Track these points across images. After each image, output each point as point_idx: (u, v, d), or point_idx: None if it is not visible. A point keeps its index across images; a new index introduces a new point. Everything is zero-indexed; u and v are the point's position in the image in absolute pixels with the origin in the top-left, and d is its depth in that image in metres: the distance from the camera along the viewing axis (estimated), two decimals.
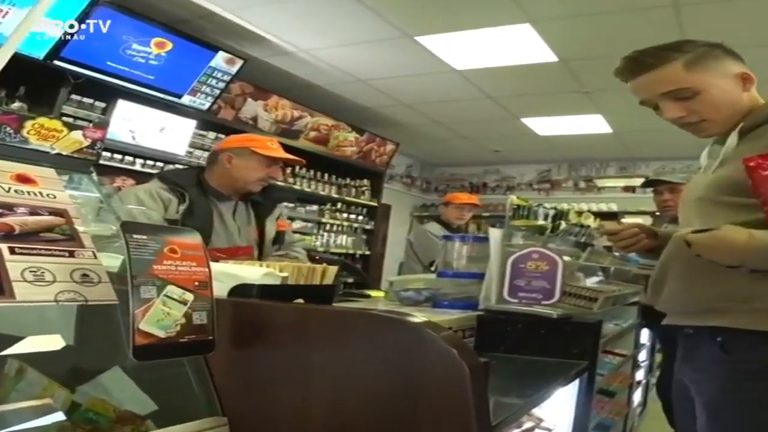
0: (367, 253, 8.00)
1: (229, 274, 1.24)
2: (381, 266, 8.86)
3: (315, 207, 7.27)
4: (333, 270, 1.41)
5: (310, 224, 7.17)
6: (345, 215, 7.72)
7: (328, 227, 7.47)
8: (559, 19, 4.45)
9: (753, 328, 1.40)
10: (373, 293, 3.01)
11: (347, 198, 7.74)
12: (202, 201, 2.60)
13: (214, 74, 5.16)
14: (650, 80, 1.61)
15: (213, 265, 1.11)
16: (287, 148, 2.93)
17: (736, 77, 1.59)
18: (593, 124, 7.13)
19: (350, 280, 5.61)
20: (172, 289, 1.02)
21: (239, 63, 5.24)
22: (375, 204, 8.13)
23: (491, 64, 5.48)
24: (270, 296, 1.21)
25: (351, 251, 7.70)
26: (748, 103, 1.60)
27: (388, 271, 8.28)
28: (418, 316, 0.99)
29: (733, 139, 1.57)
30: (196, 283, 1.06)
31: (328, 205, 7.53)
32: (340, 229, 7.62)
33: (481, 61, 5.46)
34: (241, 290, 1.22)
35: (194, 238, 1.10)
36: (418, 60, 5.49)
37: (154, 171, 5.04)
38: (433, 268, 4.12)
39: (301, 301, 1.27)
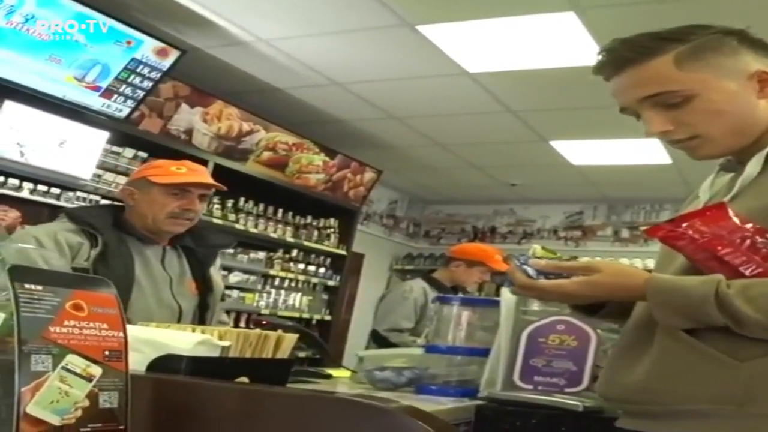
0: (328, 318, 7.94)
1: (152, 341, 1.25)
2: (344, 337, 8.82)
3: (262, 254, 7.20)
4: (291, 339, 1.43)
5: (252, 277, 7.10)
6: (302, 266, 7.68)
7: (277, 282, 7.40)
8: (612, 6, 4.38)
9: None
10: (336, 372, 3.05)
11: (306, 243, 7.70)
12: (120, 245, 2.75)
13: (138, 69, 5.16)
14: (631, 79, 1.61)
15: (131, 329, 1.12)
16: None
17: (750, 78, 1.57)
18: (647, 152, 7.06)
19: (302, 355, 5.54)
20: (73, 360, 1.03)
21: (174, 55, 5.22)
22: (343, 252, 8.11)
23: (515, 66, 5.48)
24: (205, 372, 1.22)
25: (306, 315, 7.63)
26: None
27: (354, 345, 8.22)
28: (406, 403, 1.00)
29: (755, 165, 1.55)
30: (107, 353, 1.08)
31: (280, 252, 7.48)
32: (293, 285, 7.57)
33: (503, 62, 5.46)
34: (166, 364, 1.23)
35: (107, 291, 1.11)
36: (419, 57, 5.51)
37: (48, 200, 5.07)
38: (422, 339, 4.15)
39: (245, 380, 1.28)
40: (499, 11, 4.68)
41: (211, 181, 2.95)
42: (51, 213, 5.08)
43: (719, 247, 1.43)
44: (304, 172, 7.39)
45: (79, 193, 5.27)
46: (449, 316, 2.53)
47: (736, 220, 1.44)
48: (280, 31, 5.36)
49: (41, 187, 5.05)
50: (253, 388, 1.17)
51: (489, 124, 6.98)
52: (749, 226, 1.43)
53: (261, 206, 7.19)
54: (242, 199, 6.93)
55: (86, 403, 1.02)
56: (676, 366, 1.47)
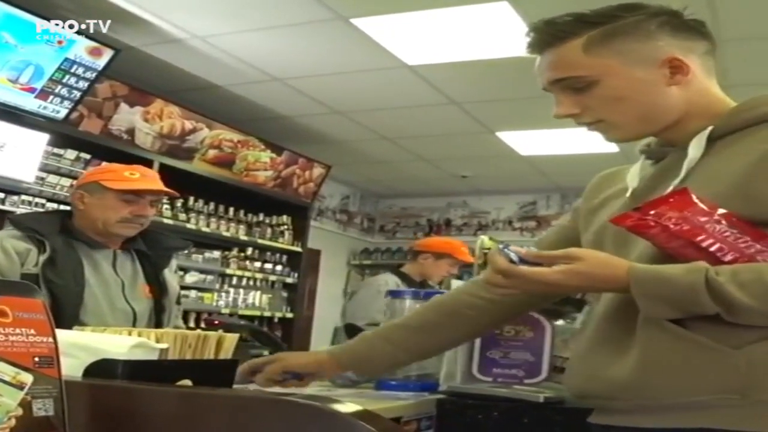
0: (290, 315, 7.98)
1: (85, 346, 1.21)
2: (308, 333, 8.81)
3: (217, 253, 7.22)
4: (232, 339, 1.40)
5: (210, 277, 7.11)
6: (258, 264, 7.69)
7: (234, 281, 7.43)
8: None
9: (751, 430, 1.39)
10: None
11: (260, 241, 7.71)
12: (68, 250, 2.77)
13: (72, 69, 5.10)
14: (545, 61, 1.63)
15: (61, 333, 1.08)
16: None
17: (662, 65, 1.56)
18: (594, 141, 7.14)
19: (265, 353, 5.52)
20: (1, 368, 0.99)
21: (108, 54, 5.18)
22: (298, 249, 8.13)
23: (455, 57, 5.55)
24: (144, 376, 1.19)
25: (267, 313, 7.67)
26: (683, 102, 1.59)
27: (318, 341, 8.22)
28: (350, 404, 0.97)
29: (697, 148, 1.55)
30: (37, 359, 1.04)
31: (235, 251, 7.49)
32: (251, 283, 7.59)
33: (442, 54, 5.51)
34: (102, 368, 1.20)
35: (33, 296, 1.08)
36: (356, 51, 5.54)
37: None
38: None
39: (188, 382, 1.25)
40: (431, 2, 4.71)
41: (163, 188, 2.96)
42: None
43: (697, 234, 1.42)
44: (252, 169, 7.37)
45: (24, 197, 5.22)
46: (402, 310, 2.50)
47: (702, 205, 1.42)
48: (214, 28, 5.35)
49: None
50: (190, 391, 1.14)
51: (434, 117, 7.02)
52: (720, 211, 1.42)
53: (211, 205, 7.16)
54: (191, 199, 6.88)
55: (19, 411, 0.98)
56: (667, 358, 1.44)
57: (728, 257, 1.41)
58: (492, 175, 9.26)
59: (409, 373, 2.50)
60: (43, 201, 5.30)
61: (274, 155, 7.54)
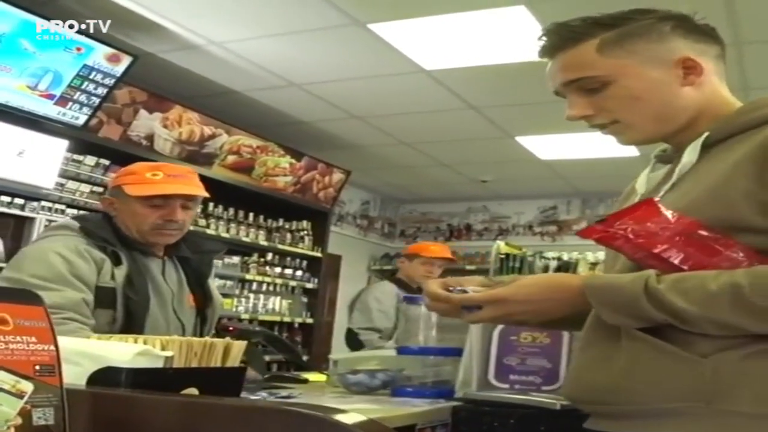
0: (310, 321, 7.96)
1: (88, 353, 1.19)
2: (329, 339, 8.79)
3: (236, 259, 7.21)
4: (239, 346, 1.38)
5: (229, 282, 7.10)
6: (278, 270, 7.68)
7: (254, 286, 7.42)
8: None
9: None
10: (313, 377, 3.06)
11: (280, 246, 7.71)
12: (135, 263, 2.56)
13: (91, 76, 5.12)
14: (558, 64, 1.64)
15: (65, 341, 1.07)
16: None
17: (675, 65, 1.57)
18: (613, 144, 7.12)
19: (280, 358, 5.49)
20: (1, 377, 0.98)
21: (126, 60, 5.20)
22: (318, 254, 8.13)
23: (472, 62, 5.53)
24: (148, 384, 1.17)
25: (287, 319, 7.65)
26: (697, 103, 1.58)
27: (338, 346, 8.19)
28: (355, 414, 0.95)
29: (692, 153, 1.55)
30: (37, 368, 1.03)
31: (255, 256, 7.49)
32: (271, 289, 7.58)
33: (459, 58, 5.50)
34: (106, 376, 1.18)
35: (34, 303, 1.07)
36: (373, 56, 5.54)
37: (12, 211, 5.02)
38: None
39: (194, 391, 1.23)
40: (448, 7, 4.70)
41: (189, 190, 2.65)
42: (17, 224, 5.09)
43: (656, 245, 1.41)
44: (272, 174, 7.37)
45: (43, 203, 5.21)
46: (417, 316, 2.49)
47: (668, 215, 1.42)
48: (231, 34, 5.36)
49: (4, 198, 4.99)
50: (192, 400, 1.12)
51: (452, 122, 7.00)
52: (682, 220, 1.41)
53: (231, 211, 7.15)
54: (211, 205, 6.87)
55: (18, 421, 0.97)
56: (642, 364, 1.45)
57: (687, 266, 1.40)
58: (512, 179, 9.24)
59: (425, 380, 2.49)
60: (63, 207, 5.31)
61: (293, 161, 7.54)
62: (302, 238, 8.00)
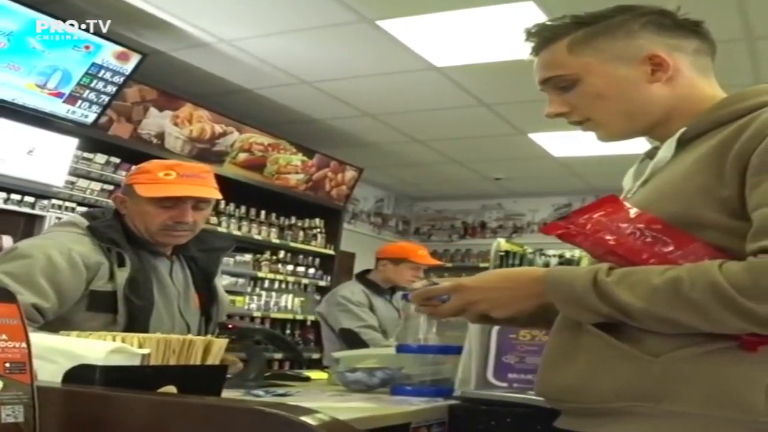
0: None
1: (63, 351, 1.19)
2: None
3: (248, 256, 7.20)
4: (220, 344, 1.37)
5: (241, 280, 7.11)
6: (290, 267, 7.69)
7: (266, 284, 7.42)
8: None
9: None
10: (315, 375, 3.05)
11: (292, 244, 7.71)
12: (141, 263, 2.52)
13: (100, 74, 5.13)
14: (538, 62, 1.68)
15: (41, 338, 1.07)
16: None
17: (642, 62, 1.56)
18: (627, 141, 7.12)
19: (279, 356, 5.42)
20: None
21: (135, 58, 5.22)
22: (331, 252, 8.14)
23: (482, 58, 5.51)
24: (124, 382, 1.16)
25: (299, 317, 7.65)
26: (669, 99, 1.57)
27: None
28: (321, 414, 0.94)
29: (667, 149, 1.55)
30: (8, 365, 1.04)
31: (267, 254, 7.50)
32: (283, 286, 7.58)
33: (468, 55, 5.49)
34: (80, 374, 1.18)
35: (7, 301, 1.07)
36: (383, 53, 5.53)
37: (23, 209, 5.05)
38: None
39: (173, 389, 1.22)
40: (456, 3, 4.69)
41: (200, 192, 2.58)
42: (27, 222, 5.11)
43: (610, 241, 1.41)
44: (283, 172, 7.39)
45: (54, 201, 5.23)
46: (418, 314, 2.47)
47: (630, 211, 1.42)
48: (239, 32, 5.37)
49: (15, 196, 5.02)
50: (160, 398, 1.12)
51: (464, 119, 6.99)
52: (642, 216, 1.41)
53: (243, 208, 7.17)
54: (222, 203, 6.88)
55: None
56: (597, 362, 1.45)
57: (649, 263, 1.38)
58: (526, 177, 9.22)
59: (424, 379, 2.48)
60: (74, 205, 5.33)
61: (305, 158, 7.55)
62: (315, 235, 8.01)
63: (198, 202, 2.58)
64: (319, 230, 8.05)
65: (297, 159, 7.46)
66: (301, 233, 7.86)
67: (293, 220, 7.79)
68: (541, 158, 8.14)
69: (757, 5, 4.37)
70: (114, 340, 1.25)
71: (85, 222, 2.54)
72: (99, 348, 1.18)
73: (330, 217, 8.18)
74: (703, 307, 1.28)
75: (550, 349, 1.60)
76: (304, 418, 0.92)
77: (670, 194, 1.45)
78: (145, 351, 1.22)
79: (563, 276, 1.48)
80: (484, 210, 10.67)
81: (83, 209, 5.17)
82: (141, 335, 1.27)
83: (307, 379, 2.90)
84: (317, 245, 8.00)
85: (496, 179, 9.43)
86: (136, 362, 1.22)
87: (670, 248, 1.38)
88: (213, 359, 1.35)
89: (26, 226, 5.12)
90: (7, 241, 4.76)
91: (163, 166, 2.60)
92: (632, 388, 1.38)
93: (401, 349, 2.53)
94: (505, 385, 2.29)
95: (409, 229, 11.11)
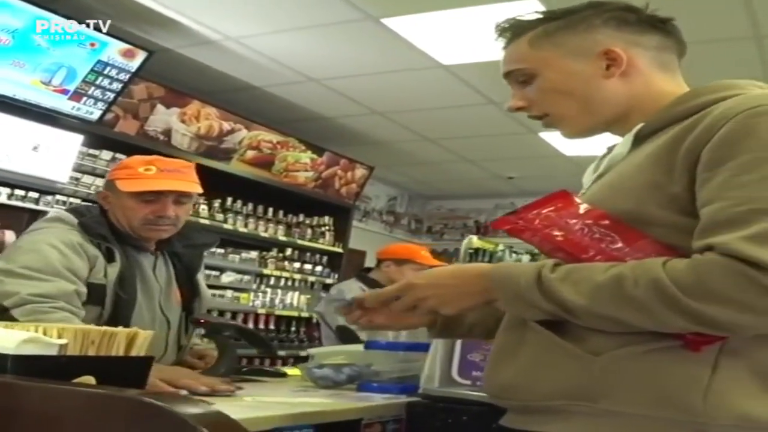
0: None
1: None
2: None
3: (254, 254, 7.24)
4: (145, 336, 1.39)
5: (246, 277, 7.14)
6: (297, 265, 7.70)
7: (272, 281, 7.43)
8: None
9: None
10: (291, 371, 3.02)
11: (300, 242, 7.72)
12: (128, 260, 2.57)
13: (105, 71, 5.17)
14: (504, 55, 1.67)
15: None
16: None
17: (598, 57, 1.56)
18: None
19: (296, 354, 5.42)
20: None
21: (141, 56, 5.24)
22: (339, 250, 8.14)
23: (488, 56, 5.44)
24: (38, 372, 1.19)
25: (305, 314, 7.65)
26: (625, 95, 1.57)
27: None
28: (202, 405, 0.97)
29: (623, 145, 1.54)
30: None
31: (274, 252, 7.51)
32: (289, 284, 7.59)
33: (475, 53, 5.46)
34: None
35: None
36: (388, 51, 5.53)
37: (27, 205, 5.09)
38: None
39: (91, 379, 1.25)
40: (461, 1, 4.67)
41: (180, 186, 2.61)
42: (31, 218, 5.07)
43: (558, 237, 1.40)
44: (292, 170, 7.41)
45: (58, 197, 5.28)
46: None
47: (580, 206, 1.41)
48: (246, 29, 5.38)
49: (19, 192, 5.07)
50: (50, 387, 1.12)
51: (473, 117, 6.97)
52: (591, 212, 1.40)
53: (250, 206, 7.19)
54: (229, 199, 6.92)
55: None
56: (539, 360, 1.44)
57: (596, 260, 1.36)
58: (538, 176, 9.15)
59: (392, 376, 2.50)
60: (78, 201, 5.31)
61: (314, 156, 7.57)
62: (323, 233, 8.02)
63: (179, 197, 2.62)
64: (327, 228, 8.07)
65: (306, 157, 7.48)
66: (309, 231, 7.86)
67: (301, 217, 7.80)
68: (553, 157, 8.10)
69: (764, 4, 4.33)
70: (36, 330, 1.27)
71: (72, 218, 2.57)
72: (12, 337, 1.21)
73: (339, 214, 8.18)
74: (646, 306, 1.27)
75: (496, 346, 1.60)
76: (179, 409, 0.94)
77: (621, 190, 1.44)
78: (62, 341, 1.25)
79: (509, 272, 1.46)
80: (497, 209, 10.61)
81: (87, 205, 5.21)
82: (59, 325, 1.30)
83: (284, 375, 2.89)
84: (325, 243, 8.00)
85: (509, 178, 9.41)
86: (53, 352, 1.24)
87: (618, 245, 1.37)
88: (137, 351, 1.37)
89: (30, 221, 5.13)
90: (10, 236, 4.81)
91: (144, 161, 2.64)
92: (572, 387, 1.37)
93: (369, 345, 2.55)
94: (469, 383, 2.29)
95: (421, 227, 11.11)
